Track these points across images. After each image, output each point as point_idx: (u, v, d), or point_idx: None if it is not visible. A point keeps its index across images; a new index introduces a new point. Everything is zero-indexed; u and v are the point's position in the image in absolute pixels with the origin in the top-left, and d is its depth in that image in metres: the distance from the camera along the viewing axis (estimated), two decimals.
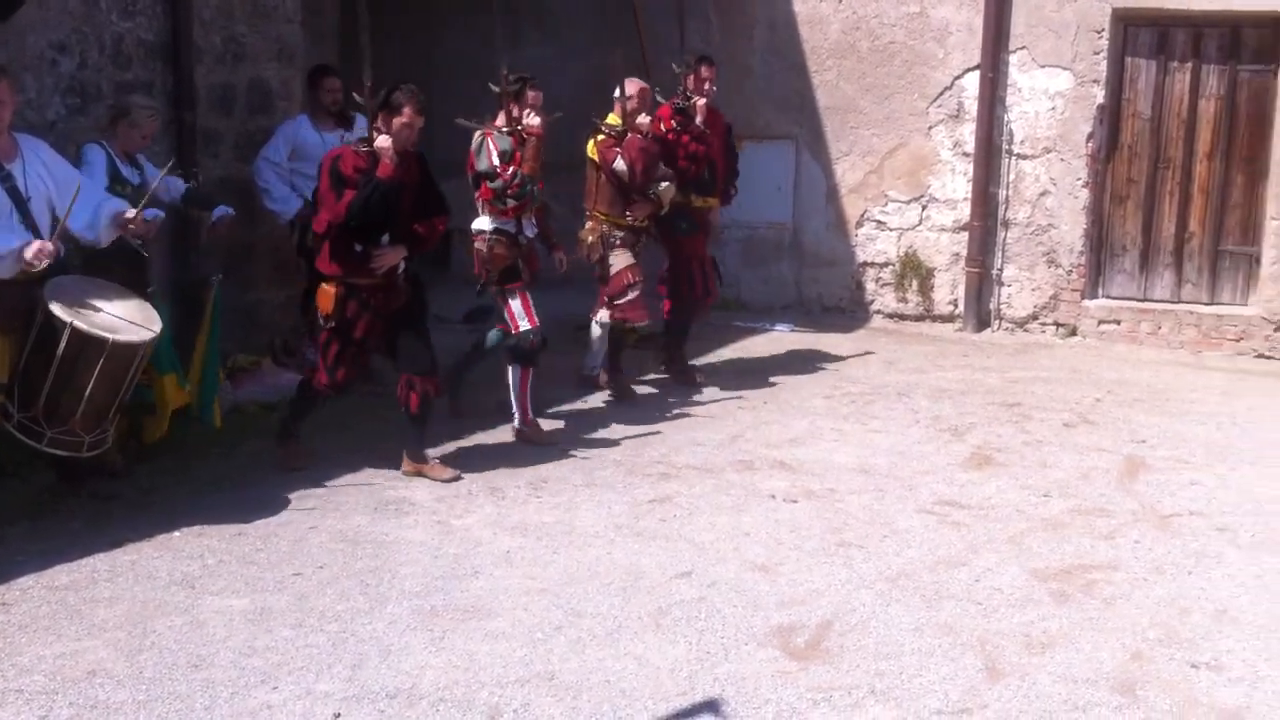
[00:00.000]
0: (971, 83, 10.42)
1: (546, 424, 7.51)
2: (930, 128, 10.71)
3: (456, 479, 6.51)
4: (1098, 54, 10.07)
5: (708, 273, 8.77)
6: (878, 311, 11.10)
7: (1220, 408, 8.35)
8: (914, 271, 10.93)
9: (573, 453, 7.09)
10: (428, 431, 6.69)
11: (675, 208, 8.31)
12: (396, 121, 6.24)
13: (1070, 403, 8.32)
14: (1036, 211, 10.41)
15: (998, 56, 10.29)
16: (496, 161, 7.06)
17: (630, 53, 9.37)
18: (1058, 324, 10.48)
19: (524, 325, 7.17)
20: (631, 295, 8.02)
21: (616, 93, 8.11)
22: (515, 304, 7.21)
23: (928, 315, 10.89)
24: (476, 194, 7.19)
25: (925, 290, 10.92)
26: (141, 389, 6.20)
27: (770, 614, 4.94)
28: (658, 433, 7.53)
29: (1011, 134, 10.39)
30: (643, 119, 8.00)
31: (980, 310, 10.62)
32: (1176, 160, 10.18)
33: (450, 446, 7.04)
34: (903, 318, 10.98)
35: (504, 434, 7.39)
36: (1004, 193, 10.48)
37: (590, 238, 8.05)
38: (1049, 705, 4.24)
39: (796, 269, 11.32)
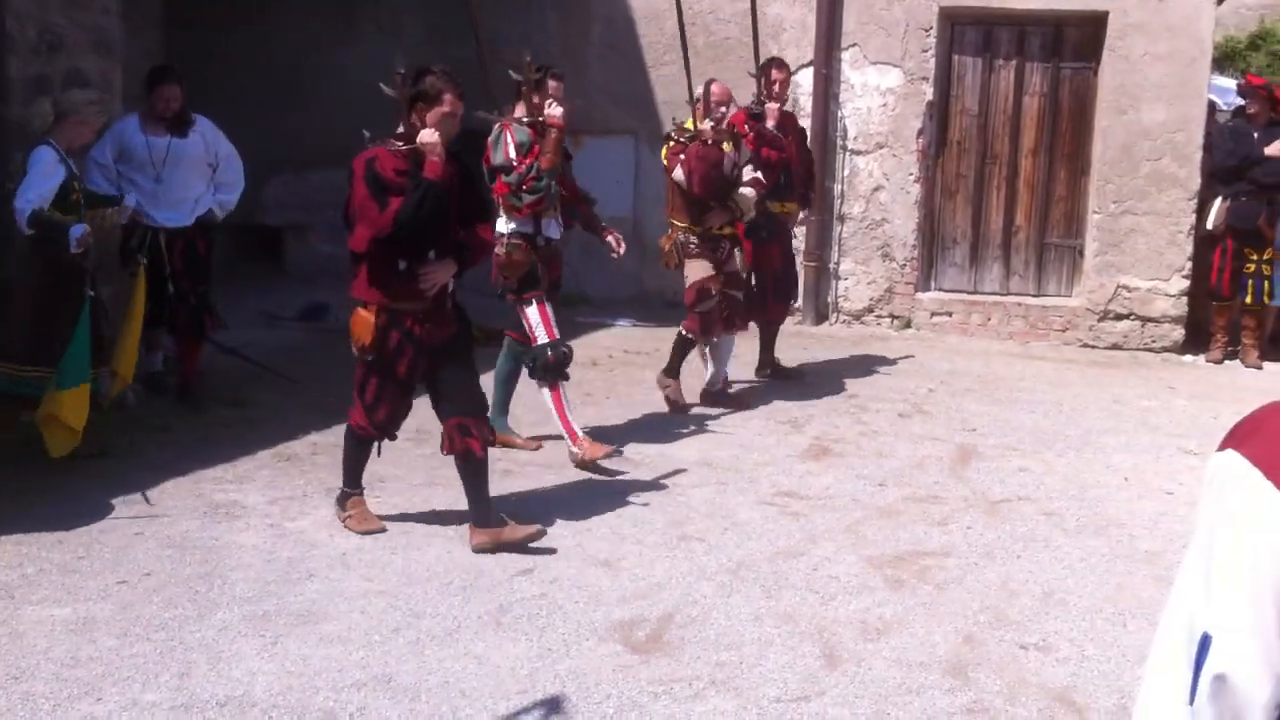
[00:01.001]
0: (806, 79, 10.57)
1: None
2: None
3: (540, 533, 5.57)
4: (926, 52, 10.32)
5: (779, 279, 8.57)
6: None
7: (1047, 396, 8.63)
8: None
9: (413, 451, 6.98)
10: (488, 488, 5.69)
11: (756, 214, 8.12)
12: (436, 111, 5.33)
13: (905, 393, 8.50)
14: (871, 206, 10.62)
15: (830, 53, 10.46)
16: (513, 154, 6.54)
17: (468, 50, 9.26)
18: (893, 316, 10.71)
19: (541, 337, 6.68)
20: (706, 305, 7.80)
21: (699, 94, 7.91)
22: (532, 313, 6.67)
23: None
24: (493, 191, 6.60)
25: None
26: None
27: (612, 609, 4.92)
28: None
29: (845, 130, 10.57)
30: (705, 124, 7.67)
31: (819, 304, 10.79)
32: (1003, 156, 10.50)
33: (282, 447, 6.87)
34: None
35: (338, 434, 7.20)
36: (839, 188, 10.66)
37: (666, 245, 7.84)
38: (884, 689, 4.31)
39: (638, 264, 11.32)
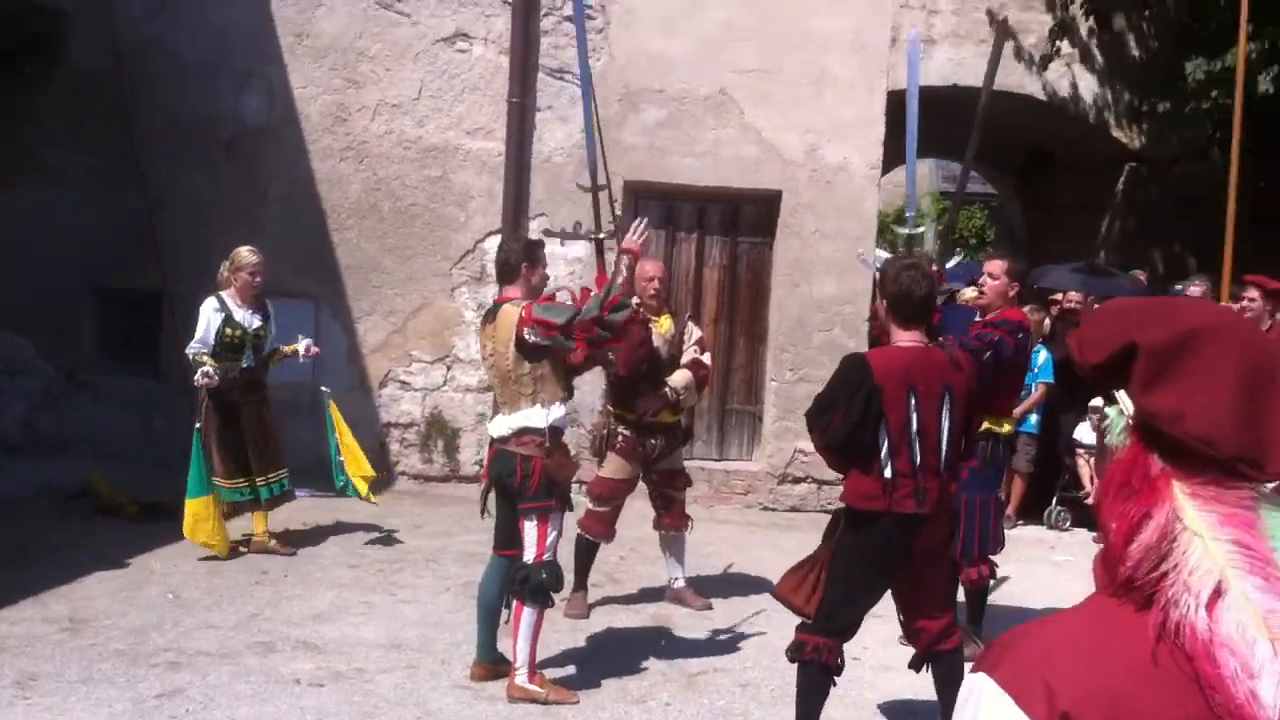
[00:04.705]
0: (494, 246, 10.51)
1: (33, 610, 6.66)
2: (454, 289, 10.74)
3: None
4: (611, 223, 10.49)
5: (958, 527, 6.05)
6: (403, 473, 10.87)
7: (734, 560, 8.70)
8: (439, 432, 10.82)
9: (67, 643, 6.31)
10: None
11: None
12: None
13: (598, 562, 8.35)
14: None
15: (518, 222, 10.52)
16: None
17: (137, 203, 8.82)
18: (581, 482, 10.63)
19: (548, 555, 5.80)
20: (601, 509, 7.34)
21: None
22: (551, 529, 5.80)
23: (454, 476, 10.78)
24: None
25: (451, 451, 10.82)
26: None
27: None
28: (167, 616, 6.86)
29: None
30: (633, 300, 6.98)
31: None
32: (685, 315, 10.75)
33: None
34: (429, 479, 10.81)
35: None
36: None
37: (593, 431, 7.34)
38: None
39: (318, 431, 10.90)
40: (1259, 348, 1.80)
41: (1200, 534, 1.64)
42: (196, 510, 7.92)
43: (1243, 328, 1.85)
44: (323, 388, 8.89)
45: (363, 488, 8.69)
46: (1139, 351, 1.77)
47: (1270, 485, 1.82)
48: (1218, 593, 1.61)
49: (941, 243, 17.66)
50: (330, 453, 8.73)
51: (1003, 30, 6.51)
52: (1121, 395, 1.77)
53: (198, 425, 8.16)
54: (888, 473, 4.88)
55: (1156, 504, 1.67)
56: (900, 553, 4.97)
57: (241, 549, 8.31)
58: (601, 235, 7.02)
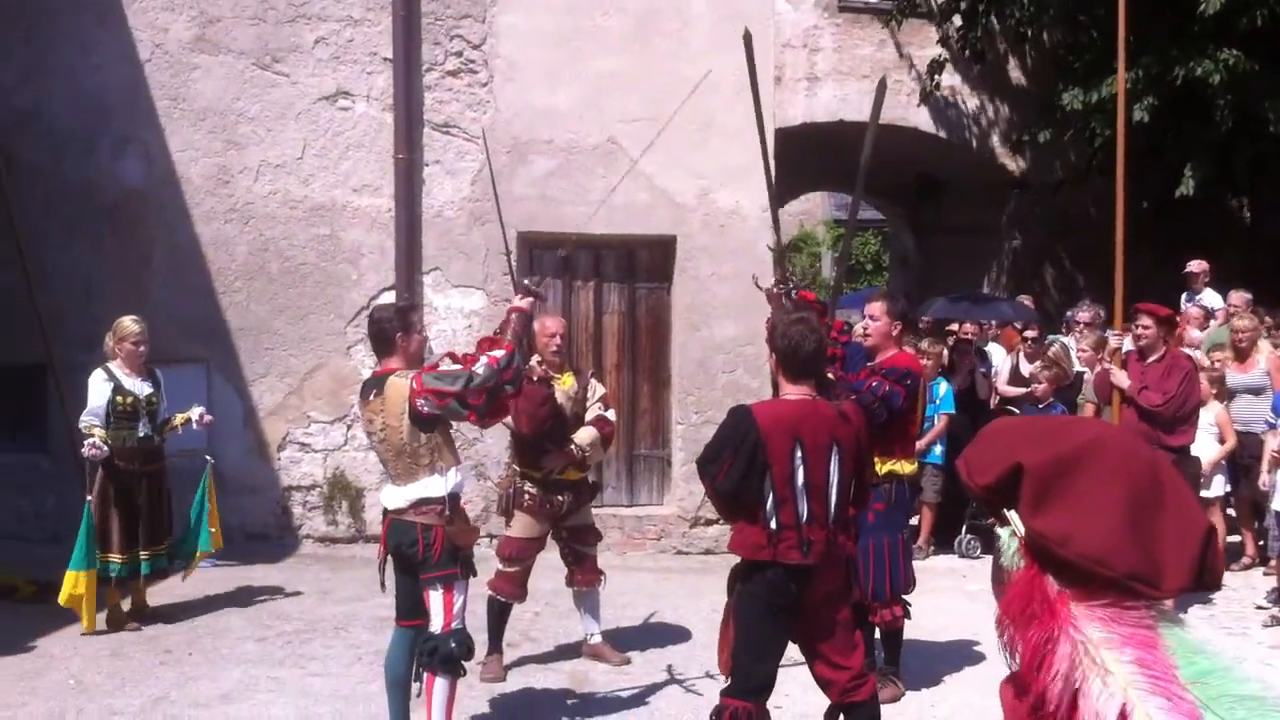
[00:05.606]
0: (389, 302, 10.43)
1: None
2: (349, 347, 10.57)
3: None
4: (506, 274, 10.41)
5: (855, 576, 5.98)
6: (307, 536, 10.64)
7: (652, 607, 8.63)
8: (343, 493, 10.62)
9: None
10: None
11: None
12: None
13: (511, 621, 8.22)
14: (463, 425, 10.44)
15: (412, 277, 10.41)
16: None
17: (12, 276, 8.54)
18: (491, 536, 10.49)
19: (456, 623, 5.63)
20: (511, 569, 7.18)
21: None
22: (454, 597, 5.64)
23: (360, 536, 10.57)
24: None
25: (356, 511, 10.62)
26: None
27: None
28: (70, 703, 6.59)
29: (431, 352, 10.44)
30: (533, 361, 7.07)
31: None
32: (588, 372, 10.69)
33: None
34: (334, 541, 10.59)
35: None
36: None
37: (500, 489, 7.24)
38: None
39: (217, 499, 10.63)
40: (1143, 463, 1.78)
41: (1103, 656, 1.61)
42: (75, 581, 7.92)
43: (1126, 444, 1.83)
44: (207, 456, 9.00)
45: (196, 561, 8.89)
46: (1025, 473, 1.73)
47: (1169, 602, 1.80)
48: (1123, 716, 1.58)
49: (839, 269, 17.94)
50: (198, 515, 8.79)
51: (881, 90, 6.58)
52: (1013, 516, 1.73)
53: (89, 498, 8.11)
54: (773, 524, 4.83)
55: (1058, 627, 1.64)
56: (791, 603, 4.91)
57: (133, 625, 8.25)
58: (534, 284, 6.84)
